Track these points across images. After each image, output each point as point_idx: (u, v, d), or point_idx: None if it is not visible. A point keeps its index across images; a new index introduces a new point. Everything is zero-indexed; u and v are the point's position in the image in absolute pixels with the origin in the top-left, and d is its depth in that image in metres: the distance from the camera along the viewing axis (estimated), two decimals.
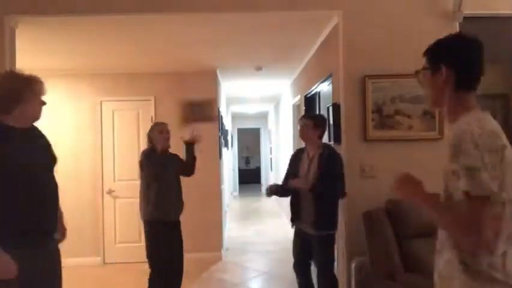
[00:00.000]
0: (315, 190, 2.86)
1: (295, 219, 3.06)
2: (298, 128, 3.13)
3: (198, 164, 5.19)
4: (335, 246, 3.01)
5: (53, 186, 1.97)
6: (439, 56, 1.35)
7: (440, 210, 1.29)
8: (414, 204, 1.42)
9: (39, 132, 2.04)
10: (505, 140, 1.21)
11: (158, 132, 3.25)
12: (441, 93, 1.36)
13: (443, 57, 1.33)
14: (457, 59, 1.32)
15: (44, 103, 1.95)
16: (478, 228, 1.14)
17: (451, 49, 1.34)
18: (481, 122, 1.22)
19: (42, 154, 1.98)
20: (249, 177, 14.55)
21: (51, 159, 2.03)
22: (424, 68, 1.40)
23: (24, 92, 1.85)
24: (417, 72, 1.44)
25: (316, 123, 3.01)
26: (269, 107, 10.69)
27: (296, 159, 3.15)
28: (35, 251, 1.83)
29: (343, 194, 2.93)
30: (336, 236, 3.05)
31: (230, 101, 8.80)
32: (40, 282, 1.86)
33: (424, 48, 3.31)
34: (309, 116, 3.18)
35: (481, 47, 1.32)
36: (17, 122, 1.85)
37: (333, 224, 2.94)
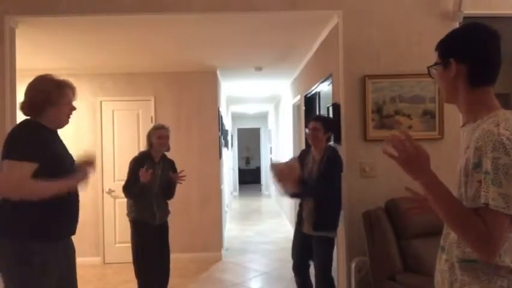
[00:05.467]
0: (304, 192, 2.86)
1: (298, 222, 3.07)
2: (307, 131, 3.04)
3: (198, 164, 5.25)
4: (334, 248, 3.02)
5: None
6: (449, 49, 1.23)
7: (451, 211, 1.10)
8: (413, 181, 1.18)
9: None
10: None
11: (157, 137, 3.24)
12: (453, 90, 1.23)
13: (453, 50, 1.21)
14: (466, 52, 1.19)
15: (73, 108, 2.04)
16: (493, 247, 1.04)
17: (461, 41, 1.21)
18: (510, 121, 1.09)
19: (68, 154, 2.09)
20: (249, 177, 14.56)
21: (73, 160, 2.13)
22: (435, 63, 1.27)
23: (54, 94, 1.93)
24: (429, 68, 1.30)
25: (327, 127, 2.98)
26: (269, 107, 10.69)
27: (302, 159, 3.09)
28: (63, 243, 1.96)
29: (334, 198, 2.94)
30: (336, 237, 3.05)
31: (230, 101, 8.80)
32: (65, 274, 1.98)
33: (424, 48, 3.30)
34: (322, 119, 3.06)
35: (495, 37, 1.19)
36: (47, 124, 1.95)
37: (332, 226, 2.94)
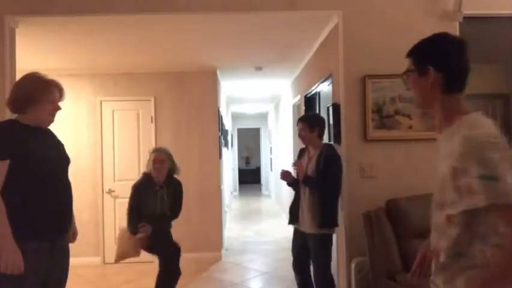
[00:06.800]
0: (307, 182, 2.91)
1: (293, 221, 3.08)
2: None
3: (198, 164, 5.25)
4: (334, 247, 3.03)
5: (67, 184, 2.06)
6: (426, 57, 1.29)
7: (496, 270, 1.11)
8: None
9: (53, 133, 2.12)
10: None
11: (152, 161, 3.09)
12: (429, 96, 1.30)
13: (431, 58, 1.28)
14: (445, 61, 1.27)
15: (58, 108, 2.02)
16: None
17: (439, 50, 1.29)
18: (485, 124, 1.17)
19: (57, 153, 2.07)
20: (249, 177, 14.56)
21: (66, 159, 2.11)
22: (410, 70, 1.34)
23: (38, 94, 1.93)
24: (403, 74, 1.37)
25: (311, 124, 3.01)
26: (269, 107, 10.69)
27: (299, 159, 3.17)
28: (50, 244, 1.91)
29: (334, 194, 2.94)
30: (335, 236, 3.05)
31: (230, 101, 8.80)
32: (52, 276, 1.94)
33: None
34: (304, 119, 3.13)
35: (466, 48, 1.29)
36: (31, 122, 1.94)
37: (334, 224, 2.97)
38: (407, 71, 1.35)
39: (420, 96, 1.34)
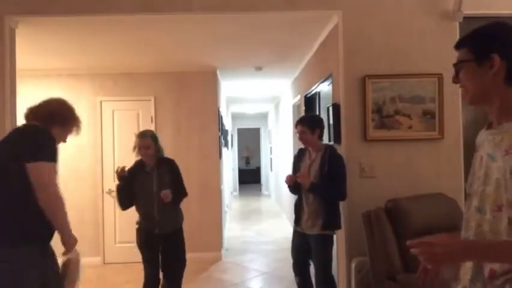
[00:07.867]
0: (313, 190, 2.87)
1: (298, 221, 3.06)
2: (297, 134, 3.10)
3: (198, 164, 5.25)
4: (334, 247, 3.02)
5: None
6: (490, 45, 1.14)
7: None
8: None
9: None
10: None
11: (137, 147, 3.10)
12: (489, 88, 1.15)
13: (496, 45, 1.14)
14: (510, 48, 1.14)
15: (65, 141, 2.19)
16: None
17: (504, 36, 1.15)
18: None
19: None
20: (249, 177, 14.56)
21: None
22: (465, 60, 1.18)
23: (70, 122, 2.12)
24: (456, 65, 1.21)
25: (312, 126, 2.98)
26: (269, 107, 10.69)
27: (298, 159, 3.16)
28: (44, 250, 1.94)
29: (343, 196, 2.92)
30: (336, 236, 3.05)
31: (230, 101, 8.80)
32: (51, 279, 1.98)
33: (424, 48, 3.29)
34: (305, 121, 3.06)
35: None
36: None
37: (338, 226, 2.97)
38: (461, 62, 1.20)
39: (477, 89, 1.18)
